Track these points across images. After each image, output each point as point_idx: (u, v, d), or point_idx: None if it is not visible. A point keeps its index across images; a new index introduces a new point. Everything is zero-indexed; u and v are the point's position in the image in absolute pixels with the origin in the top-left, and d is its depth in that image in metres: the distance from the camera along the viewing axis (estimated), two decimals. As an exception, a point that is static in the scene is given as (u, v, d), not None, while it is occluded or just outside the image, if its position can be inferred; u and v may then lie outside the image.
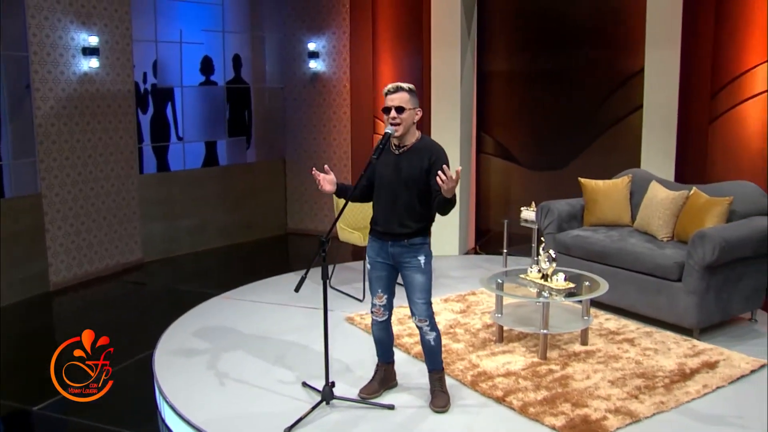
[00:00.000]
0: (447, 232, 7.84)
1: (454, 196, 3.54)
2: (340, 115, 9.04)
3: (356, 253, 7.32)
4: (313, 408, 3.85)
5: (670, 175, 7.04)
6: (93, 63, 7.01)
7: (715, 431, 3.69)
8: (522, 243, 7.34)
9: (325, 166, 4.06)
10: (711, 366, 4.42)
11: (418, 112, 3.84)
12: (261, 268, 7.99)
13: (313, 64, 8.97)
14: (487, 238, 8.80)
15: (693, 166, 7.38)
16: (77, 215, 7.05)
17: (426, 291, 3.84)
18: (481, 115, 8.87)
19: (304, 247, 9.00)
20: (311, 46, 8.93)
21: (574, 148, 8.69)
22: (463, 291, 6.09)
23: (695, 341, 4.84)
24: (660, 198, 5.46)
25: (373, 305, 4.00)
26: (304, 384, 4.25)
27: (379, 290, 3.95)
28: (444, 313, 5.46)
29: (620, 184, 5.92)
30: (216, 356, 4.74)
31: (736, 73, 7.30)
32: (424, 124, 8.30)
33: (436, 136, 7.71)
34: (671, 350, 4.69)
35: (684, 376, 4.29)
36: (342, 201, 4.10)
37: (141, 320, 6.22)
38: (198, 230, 8.49)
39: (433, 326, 3.90)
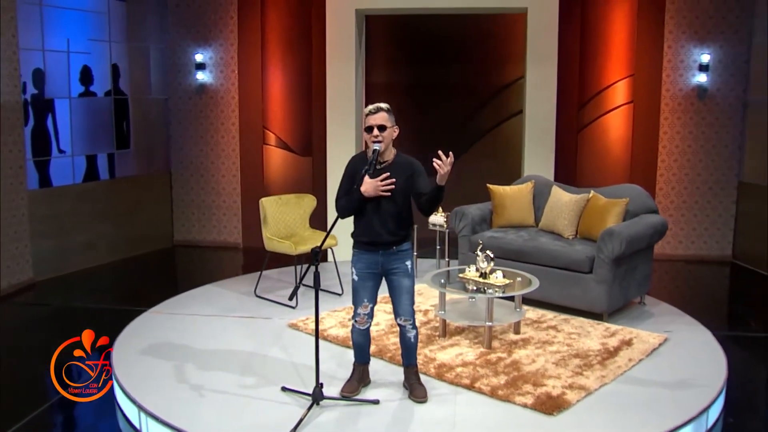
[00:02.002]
0: (346, 238, 8.17)
1: (444, 187, 3.92)
2: (228, 127, 9.08)
3: (279, 260, 7.24)
4: (309, 409, 4.08)
5: (549, 178, 7.88)
6: (-18, 73, 6.61)
7: (650, 393, 4.39)
8: (423, 246, 7.85)
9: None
10: (628, 343, 5.17)
11: (396, 130, 4.20)
12: (159, 280, 8.08)
13: (201, 76, 8.94)
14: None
15: (565, 170, 8.34)
16: (-32, 236, 6.60)
17: (412, 293, 4.21)
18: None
19: (194, 258, 8.95)
20: (198, 58, 8.90)
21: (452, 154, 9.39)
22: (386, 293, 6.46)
23: (607, 324, 5.60)
24: (564, 201, 6.20)
25: (357, 314, 4.28)
26: (284, 388, 4.44)
27: (365, 300, 4.25)
28: (379, 315, 5.77)
29: (525, 189, 6.61)
30: (180, 371, 4.76)
31: (599, 88, 8.36)
32: (320, 136, 8.61)
33: (333, 146, 8.10)
34: (591, 333, 5.40)
35: (610, 353, 4.99)
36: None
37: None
38: (88, 246, 8.18)
39: (414, 325, 4.27)
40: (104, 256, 8.39)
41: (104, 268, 8.22)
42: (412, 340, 4.30)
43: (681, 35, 8.04)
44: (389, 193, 4.06)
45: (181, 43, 8.98)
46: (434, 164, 3.86)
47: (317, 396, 4.15)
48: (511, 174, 8.53)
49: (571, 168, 8.42)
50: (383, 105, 4.15)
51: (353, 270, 4.25)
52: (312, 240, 6.43)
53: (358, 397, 4.32)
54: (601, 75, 8.30)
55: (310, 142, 9.00)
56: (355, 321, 4.31)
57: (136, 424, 4.30)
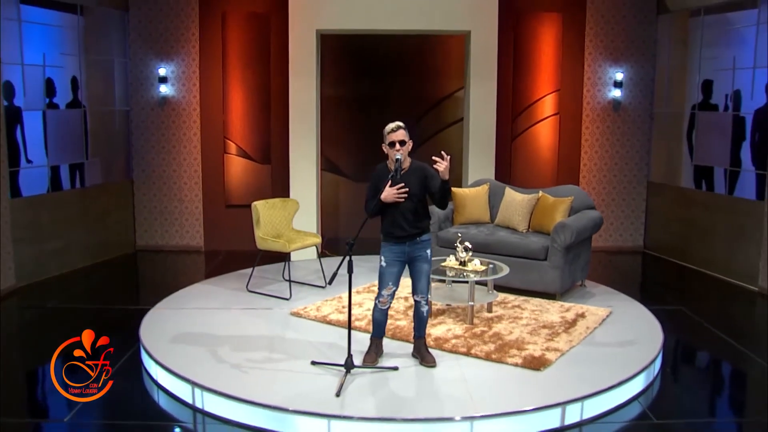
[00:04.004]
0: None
1: (449, 181, 4.82)
2: (190, 137, 9.62)
3: (265, 258, 7.96)
4: (345, 376, 4.87)
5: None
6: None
7: (610, 351, 5.49)
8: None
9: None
10: (582, 316, 6.26)
11: (410, 143, 5.07)
12: (134, 282, 8.80)
13: (163, 89, 9.44)
14: (325, 241, 10.03)
15: (501, 173, 9.43)
16: (-42, 243, 6.90)
17: (428, 275, 5.11)
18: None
19: (159, 262, 9.41)
20: (161, 72, 9.40)
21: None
22: (364, 284, 7.27)
23: (561, 302, 6.68)
24: (518, 200, 7.25)
25: (381, 295, 5.10)
26: (314, 362, 5.20)
27: (390, 283, 5.07)
28: (367, 303, 6.60)
29: (481, 190, 7.62)
30: (215, 354, 5.39)
31: (530, 101, 9.52)
32: (279, 145, 9.32)
33: (296, 155, 8.86)
34: (549, 309, 6.46)
35: (570, 324, 6.05)
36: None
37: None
38: (60, 253, 8.52)
39: (427, 301, 5.16)
40: (75, 262, 8.74)
41: (77, 274, 8.58)
42: (425, 314, 5.18)
43: (599, 56, 9.34)
44: (403, 199, 4.92)
45: (143, 57, 9.45)
46: (434, 166, 4.77)
47: (349, 365, 4.94)
48: (451, 178, 9.52)
49: (506, 172, 9.54)
50: (401, 123, 5.00)
51: (382, 258, 5.07)
52: (298, 239, 7.17)
53: (380, 365, 5.16)
54: (532, 90, 9.48)
55: (269, 150, 9.69)
56: (379, 301, 5.13)
57: (189, 400, 4.92)
